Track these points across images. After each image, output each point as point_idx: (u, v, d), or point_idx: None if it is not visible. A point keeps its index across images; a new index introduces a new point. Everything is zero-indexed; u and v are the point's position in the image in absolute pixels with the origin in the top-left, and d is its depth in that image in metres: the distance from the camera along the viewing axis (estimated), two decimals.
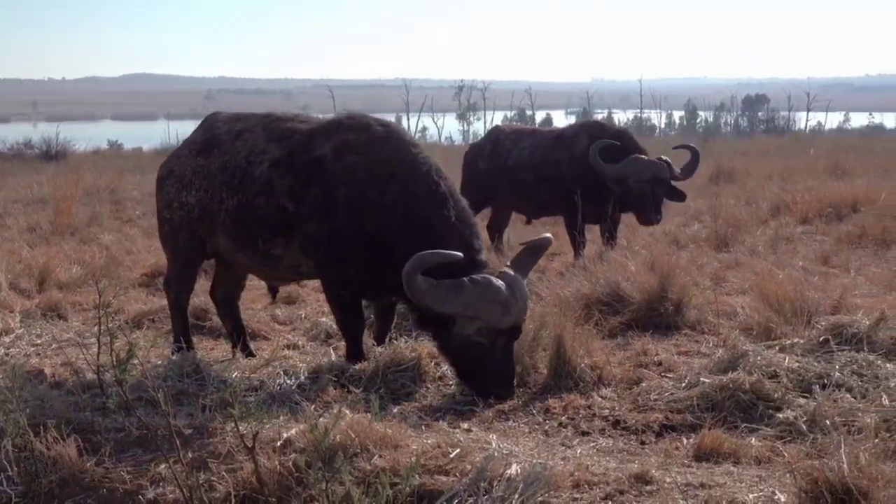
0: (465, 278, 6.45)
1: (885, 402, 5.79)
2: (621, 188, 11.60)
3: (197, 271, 8.30)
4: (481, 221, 11.46)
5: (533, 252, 7.11)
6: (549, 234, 7.44)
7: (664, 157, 11.94)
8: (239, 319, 8.25)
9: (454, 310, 6.42)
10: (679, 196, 12.01)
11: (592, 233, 12.62)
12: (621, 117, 78.10)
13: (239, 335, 8.04)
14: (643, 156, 11.77)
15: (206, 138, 7.89)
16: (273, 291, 8.73)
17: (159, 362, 6.94)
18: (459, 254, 6.53)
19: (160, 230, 8.19)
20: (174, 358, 6.91)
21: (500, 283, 6.50)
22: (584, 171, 11.80)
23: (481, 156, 13.38)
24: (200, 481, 4.67)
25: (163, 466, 4.95)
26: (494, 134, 13.80)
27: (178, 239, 7.93)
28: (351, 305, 7.35)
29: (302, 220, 7.16)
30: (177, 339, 7.99)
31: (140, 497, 4.84)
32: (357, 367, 7.06)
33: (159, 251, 11.79)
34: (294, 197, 7.20)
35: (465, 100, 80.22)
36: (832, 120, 77.53)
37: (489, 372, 6.58)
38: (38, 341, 8.15)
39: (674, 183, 11.83)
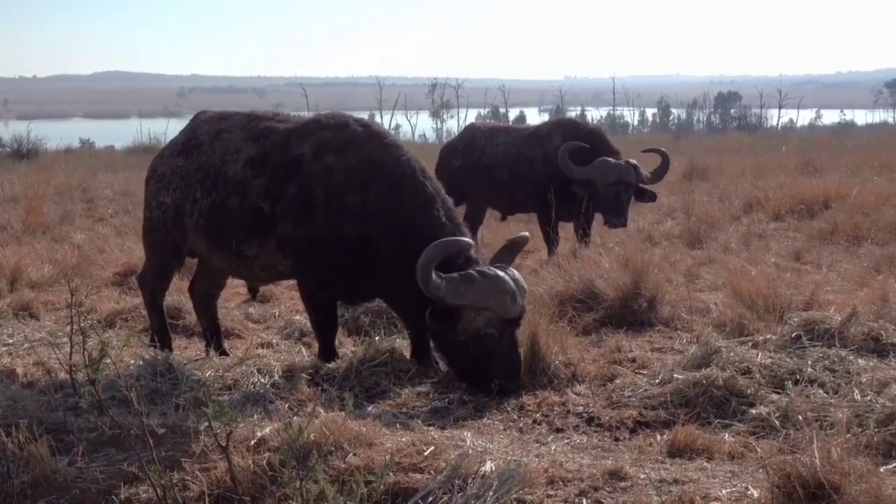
0: (471, 271, 6.51)
1: (857, 397, 5.83)
2: (589, 190, 11.61)
3: (172, 271, 8.26)
4: None
5: (511, 249, 7.15)
6: (526, 233, 7.47)
7: (632, 161, 11.93)
8: (215, 318, 8.21)
9: (466, 301, 6.43)
10: (649, 197, 12.05)
11: (566, 230, 12.65)
12: (594, 115, 78.22)
13: (213, 334, 8.00)
14: (610, 159, 11.74)
15: (187, 138, 7.87)
16: (253, 291, 8.70)
17: (132, 361, 6.90)
18: (470, 241, 6.68)
19: (143, 226, 8.22)
20: (148, 357, 6.86)
21: (504, 273, 6.57)
22: (557, 169, 11.79)
23: (456, 153, 13.40)
24: (174, 480, 4.65)
25: (136, 466, 4.92)
26: (469, 131, 13.79)
27: (155, 238, 7.94)
28: (326, 307, 7.34)
29: (278, 220, 7.12)
30: (152, 338, 7.98)
31: (113, 497, 4.81)
32: (331, 365, 7.05)
33: (131, 250, 11.79)
34: (269, 197, 7.15)
35: (439, 98, 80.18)
36: (804, 117, 77.97)
37: (497, 365, 6.58)
38: (10, 341, 8.08)
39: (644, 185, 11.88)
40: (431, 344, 7.02)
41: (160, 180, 7.83)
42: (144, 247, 8.31)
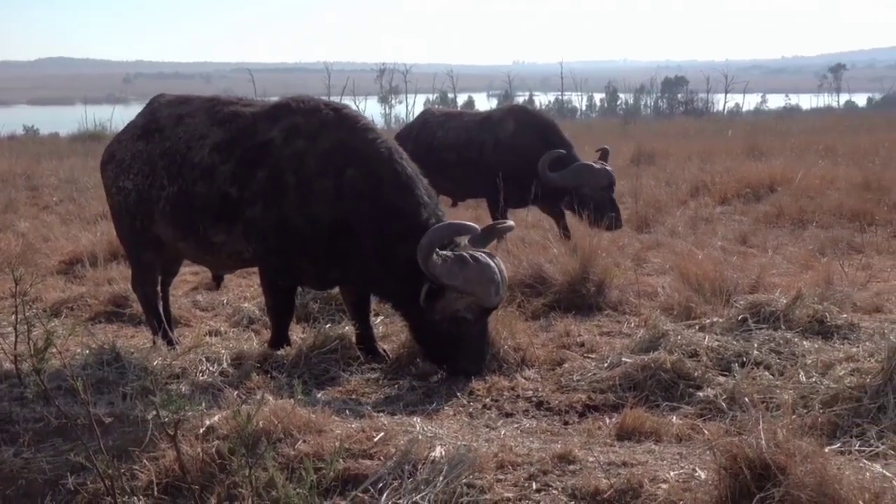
0: (464, 253, 6.50)
1: (802, 378, 5.89)
2: (577, 195, 11.55)
3: (152, 261, 7.84)
4: None
5: (489, 234, 7.12)
6: (511, 221, 7.57)
7: (607, 165, 12.00)
8: (167, 309, 8.09)
9: (457, 283, 6.43)
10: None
11: (515, 216, 12.67)
12: (542, 100, 78.46)
13: (160, 323, 7.85)
14: (591, 163, 11.81)
15: (146, 122, 7.71)
16: (218, 279, 8.57)
17: (79, 351, 6.83)
18: (475, 225, 6.77)
19: (112, 217, 8.08)
20: (94, 346, 6.79)
21: (494, 262, 6.57)
22: (508, 155, 11.86)
23: (409, 138, 13.28)
24: (122, 470, 4.62)
25: (83, 456, 4.87)
26: (423, 116, 13.78)
27: (122, 226, 7.81)
28: (285, 293, 7.30)
29: (245, 205, 7.03)
30: (156, 333, 7.76)
31: (60, 487, 4.77)
32: (281, 352, 7.02)
33: (77, 238, 11.70)
34: (237, 182, 7.05)
35: (387, 83, 80.00)
36: (750, 102, 78.66)
37: (465, 348, 6.63)
38: None
39: None
40: (405, 319, 6.98)
41: (119, 165, 7.67)
42: (121, 244, 8.17)
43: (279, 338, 7.27)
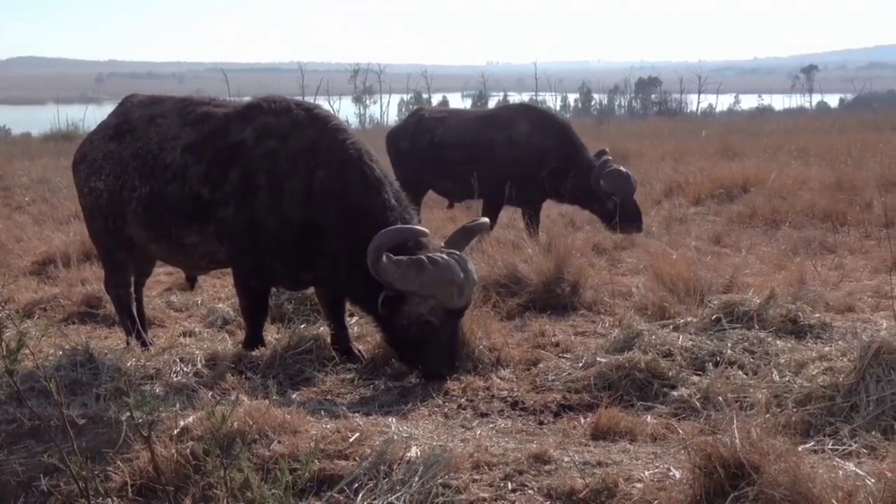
0: (422, 257, 6.46)
1: (776, 378, 5.91)
2: (610, 202, 11.69)
3: (125, 261, 7.77)
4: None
5: (467, 234, 7.13)
6: (485, 219, 7.53)
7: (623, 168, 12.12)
8: (141, 310, 8.02)
9: (413, 288, 6.40)
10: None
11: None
12: (516, 100, 78.56)
13: (133, 324, 7.77)
14: (621, 168, 11.97)
15: (118, 122, 7.65)
16: (192, 280, 8.50)
17: (52, 352, 6.79)
18: (425, 229, 6.69)
19: (84, 218, 8.02)
20: (67, 347, 6.75)
21: (455, 264, 6.51)
22: (519, 154, 11.84)
23: (404, 136, 13.17)
24: (95, 472, 4.59)
25: (56, 457, 4.84)
26: (418, 114, 13.56)
27: (94, 227, 7.76)
28: (260, 293, 7.28)
29: (217, 206, 6.99)
30: (129, 334, 7.65)
31: (33, 488, 4.75)
32: (255, 353, 7.00)
33: (49, 238, 11.62)
34: (209, 182, 7.01)
35: (361, 83, 79.91)
36: (723, 102, 79.04)
37: (435, 351, 6.62)
38: None
39: None
40: (376, 322, 6.96)
41: (91, 165, 7.61)
42: (93, 244, 8.10)
43: (253, 338, 7.25)
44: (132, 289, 7.90)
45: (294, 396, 6.24)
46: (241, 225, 6.94)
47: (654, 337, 6.74)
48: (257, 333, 7.29)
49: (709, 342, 6.70)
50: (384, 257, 6.31)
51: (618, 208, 11.57)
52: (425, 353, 6.63)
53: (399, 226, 6.62)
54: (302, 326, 7.46)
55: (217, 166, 7.02)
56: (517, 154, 11.89)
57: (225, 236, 7.06)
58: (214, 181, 7.01)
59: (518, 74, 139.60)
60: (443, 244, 6.94)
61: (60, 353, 6.71)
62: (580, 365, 6.62)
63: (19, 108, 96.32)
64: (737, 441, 4.21)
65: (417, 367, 6.72)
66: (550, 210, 13.61)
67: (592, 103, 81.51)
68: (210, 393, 6.03)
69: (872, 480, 4.07)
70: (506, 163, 11.90)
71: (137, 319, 7.83)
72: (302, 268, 7.02)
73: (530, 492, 4.51)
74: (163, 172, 7.19)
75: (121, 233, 7.56)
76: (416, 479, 4.43)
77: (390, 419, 5.51)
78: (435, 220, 12.70)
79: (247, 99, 7.78)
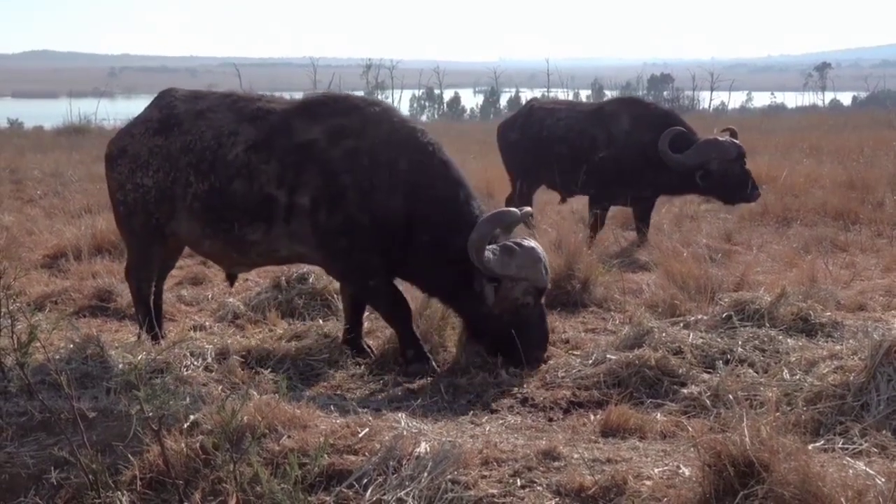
0: (509, 242, 6.58)
1: (786, 376, 5.91)
2: (703, 174, 11.18)
3: (157, 257, 7.73)
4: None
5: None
6: (528, 207, 7.60)
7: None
8: (159, 303, 7.91)
9: (510, 272, 6.53)
10: None
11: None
12: (528, 96, 78.62)
13: (147, 316, 7.64)
14: (712, 136, 11.59)
15: (163, 116, 7.45)
16: (232, 278, 8.38)
17: (62, 345, 6.79)
18: (520, 211, 6.88)
19: (115, 213, 7.82)
20: (78, 340, 6.75)
21: (536, 244, 6.70)
22: (622, 151, 11.58)
23: (513, 127, 13.02)
24: (105, 465, 4.61)
25: (67, 450, 4.86)
26: (529, 105, 13.37)
27: (133, 223, 7.54)
28: (385, 290, 7.07)
29: (305, 212, 6.90)
30: (142, 328, 7.57)
31: (44, 481, 4.76)
32: (268, 346, 6.99)
33: (61, 232, 11.62)
34: (284, 185, 6.92)
35: (373, 78, 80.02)
36: (735, 99, 78.84)
37: (530, 335, 6.73)
38: None
39: None
40: (464, 322, 6.98)
41: (134, 161, 7.40)
42: (122, 235, 7.93)
43: (409, 337, 7.00)
44: (154, 283, 7.86)
45: (304, 391, 6.24)
46: (337, 227, 6.87)
47: (664, 334, 6.73)
48: (410, 333, 7.01)
49: (719, 340, 6.69)
50: (486, 247, 6.39)
51: (713, 180, 11.20)
52: (520, 339, 6.65)
53: (496, 211, 6.70)
54: (312, 321, 7.46)
55: (290, 167, 6.93)
56: (617, 152, 11.65)
57: (319, 241, 6.96)
58: (291, 184, 6.92)
59: (530, 70, 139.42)
60: None
61: (71, 346, 6.71)
62: (590, 362, 6.61)
63: (32, 101, 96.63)
64: (746, 439, 4.21)
65: (516, 358, 6.68)
66: (561, 207, 13.58)
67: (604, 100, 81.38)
68: (220, 387, 6.04)
69: (882, 480, 4.06)
70: (608, 160, 11.69)
71: (153, 312, 7.74)
72: (392, 263, 6.97)
73: (539, 488, 4.51)
74: (224, 169, 7.07)
75: (162, 229, 7.43)
76: (426, 474, 4.44)
77: (400, 414, 5.50)
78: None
79: (297, 95, 7.71)
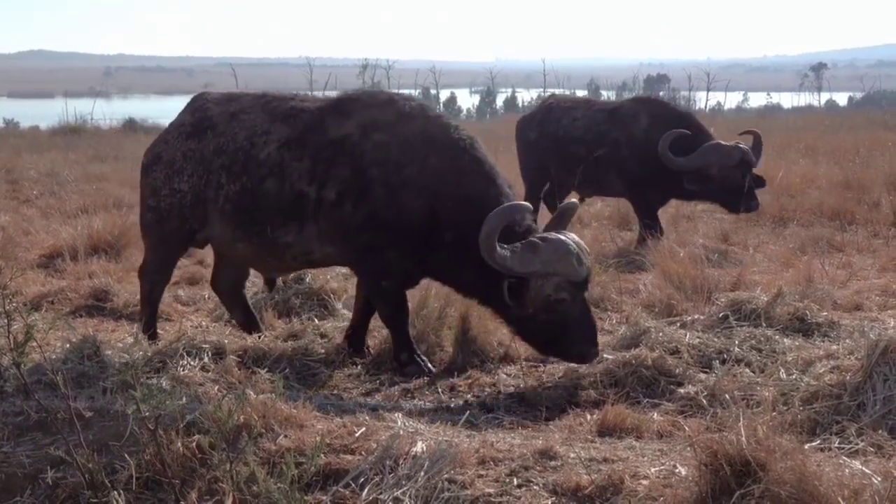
0: (532, 238, 6.36)
1: (783, 375, 5.92)
2: (703, 179, 10.98)
3: (176, 263, 7.83)
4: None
5: (562, 218, 6.93)
6: (574, 200, 7.49)
7: (741, 143, 11.42)
8: (248, 308, 7.87)
9: (534, 268, 6.26)
10: (760, 182, 11.54)
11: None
12: (525, 96, 78.49)
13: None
14: (721, 141, 11.32)
15: (196, 120, 7.41)
16: (270, 283, 8.23)
17: (59, 345, 6.79)
18: (529, 205, 6.69)
19: (142, 218, 7.72)
20: (75, 340, 6.75)
21: (564, 236, 6.43)
22: (643, 152, 11.30)
23: (532, 125, 12.76)
24: (102, 464, 4.60)
25: (63, 450, 4.85)
26: (547, 102, 13.18)
27: (165, 228, 7.47)
28: (394, 294, 7.00)
29: (330, 205, 6.85)
30: (143, 328, 7.52)
31: (40, 481, 4.76)
32: (263, 346, 6.98)
33: (57, 232, 11.62)
34: (315, 180, 6.87)
35: (370, 78, 79.95)
36: (731, 100, 78.81)
37: (574, 330, 6.46)
38: None
39: None
40: (498, 315, 6.81)
41: (169, 166, 7.35)
42: (146, 239, 7.81)
43: (405, 341, 6.97)
44: (165, 287, 7.88)
45: (300, 391, 6.24)
46: (360, 222, 6.81)
47: (661, 334, 6.74)
48: (406, 338, 6.98)
49: (716, 340, 6.71)
50: (498, 245, 6.19)
51: (712, 185, 11.02)
52: (565, 336, 6.47)
53: (504, 205, 6.44)
54: (308, 320, 7.45)
55: (322, 163, 6.88)
56: (638, 150, 11.47)
57: (342, 236, 6.91)
58: (321, 179, 6.87)
59: (527, 70, 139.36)
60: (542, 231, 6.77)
61: (67, 345, 6.71)
62: None
63: (28, 101, 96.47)
64: (743, 439, 4.21)
65: (566, 356, 6.60)
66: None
67: (601, 100, 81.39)
68: (216, 387, 6.04)
69: (879, 479, 4.07)
70: (631, 162, 11.55)
71: (249, 321, 7.74)
72: (418, 262, 6.89)
73: (536, 488, 4.51)
74: (257, 169, 7.02)
75: (195, 235, 7.43)
76: (422, 474, 4.44)
77: (396, 414, 5.51)
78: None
79: (333, 93, 7.66)
